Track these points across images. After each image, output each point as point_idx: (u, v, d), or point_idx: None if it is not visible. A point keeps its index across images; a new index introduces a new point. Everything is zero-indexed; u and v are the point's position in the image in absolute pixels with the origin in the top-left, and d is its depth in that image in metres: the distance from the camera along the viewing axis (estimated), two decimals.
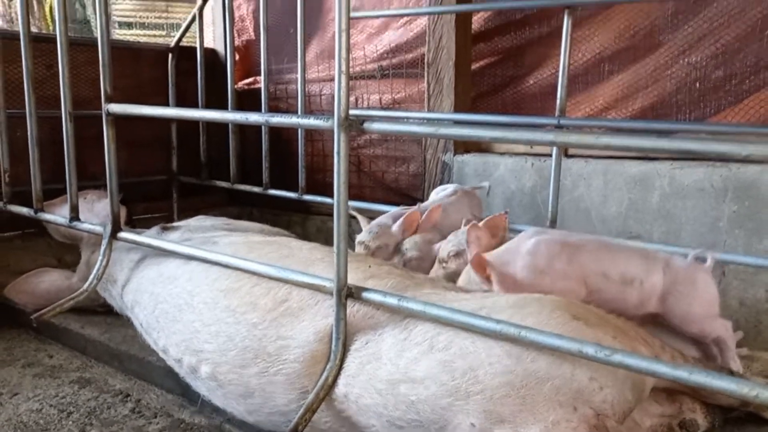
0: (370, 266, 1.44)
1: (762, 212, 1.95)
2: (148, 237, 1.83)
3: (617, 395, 1.15)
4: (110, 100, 1.76)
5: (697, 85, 2.26)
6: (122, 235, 1.82)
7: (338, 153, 1.28)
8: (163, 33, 5.27)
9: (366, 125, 1.27)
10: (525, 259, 1.42)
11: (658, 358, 1.21)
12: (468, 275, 1.52)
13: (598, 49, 2.42)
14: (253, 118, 1.47)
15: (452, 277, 1.63)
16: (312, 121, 1.37)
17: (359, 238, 1.82)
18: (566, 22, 2.01)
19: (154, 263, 1.73)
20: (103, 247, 1.84)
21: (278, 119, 1.42)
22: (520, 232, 1.55)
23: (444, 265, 1.69)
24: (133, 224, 2.38)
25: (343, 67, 1.25)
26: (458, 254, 1.67)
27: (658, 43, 2.31)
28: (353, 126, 1.27)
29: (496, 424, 1.11)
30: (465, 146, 2.65)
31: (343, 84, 1.26)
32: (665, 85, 2.31)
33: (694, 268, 1.45)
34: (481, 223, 1.62)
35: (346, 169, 1.29)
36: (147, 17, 5.13)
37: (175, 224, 2.00)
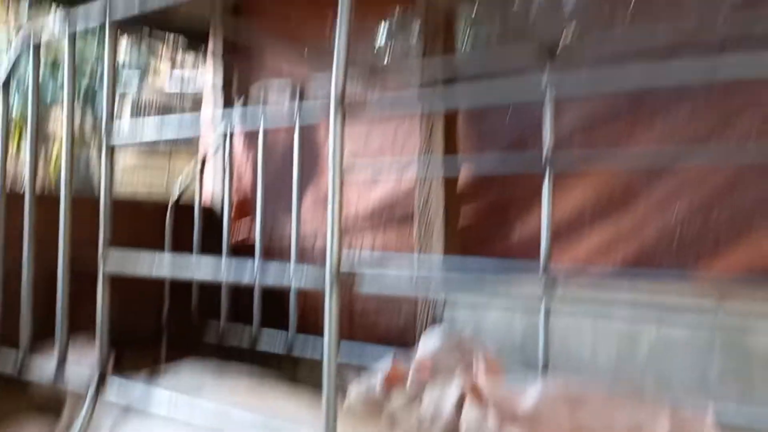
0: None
1: (751, 367, 1.96)
2: (136, 386, 1.80)
3: None
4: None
5: (675, 237, 2.35)
6: (108, 382, 1.79)
7: (330, 309, 1.30)
8: (164, 181, 5.49)
9: (358, 280, 1.31)
10: (526, 405, 1.42)
11: None
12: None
13: (580, 201, 2.53)
14: (246, 276, 1.51)
15: None
16: (305, 275, 1.41)
17: (345, 404, 1.79)
18: (547, 185, 2.13)
19: (141, 413, 1.68)
20: (88, 399, 1.80)
21: (271, 273, 1.46)
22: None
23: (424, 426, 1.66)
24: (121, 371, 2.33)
25: (336, 225, 1.32)
26: (437, 419, 1.64)
27: (636, 196, 2.43)
28: (347, 280, 1.31)
29: None
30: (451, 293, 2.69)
31: (336, 240, 1.32)
32: (645, 237, 2.40)
33: (700, 419, 1.43)
34: (479, 371, 1.59)
35: (337, 324, 1.30)
36: (149, 164, 5.39)
37: (164, 371, 1.98)
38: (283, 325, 2.77)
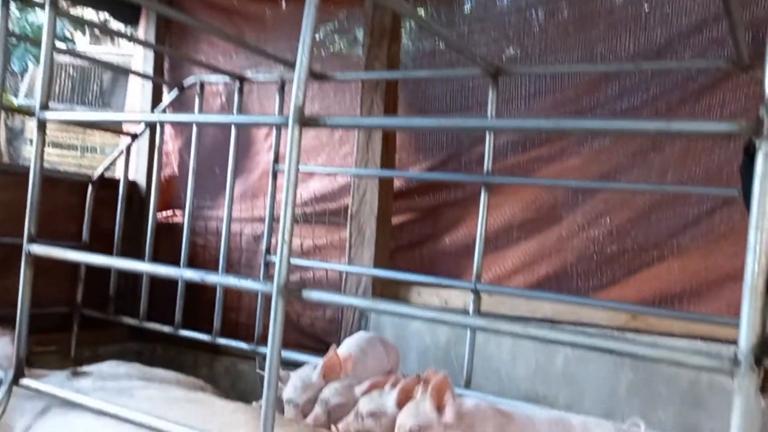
0: None
1: (655, 383, 2.11)
2: (56, 384, 1.72)
3: None
4: (33, 240, 1.71)
5: (594, 257, 2.49)
6: (25, 381, 1.71)
7: (275, 319, 1.30)
8: (77, 154, 5.21)
9: (305, 294, 1.31)
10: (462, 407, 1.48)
11: None
12: (416, 407, 1.50)
13: (508, 216, 2.64)
14: (188, 275, 1.48)
15: None
16: (250, 284, 1.40)
17: (285, 395, 1.79)
18: (483, 197, 2.20)
19: (62, 412, 1.61)
20: (0, 395, 1.70)
21: (215, 278, 1.44)
22: None
23: (361, 420, 1.68)
24: (30, 361, 2.22)
25: (287, 237, 1.31)
26: (375, 414, 1.67)
27: (560, 216, 2.56)
28: (293, 294, 1.31)
29: None
30: (382, 296, 2.73)
31: (285, 252, 1.31)
32: (567, 255, 2.53)
33: None
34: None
35: (280, 335, 1.31)
36: (63, 137, 5.08)
37: (85, 369, 1.90)
38: (201, 323, 2.71)
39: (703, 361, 0.96)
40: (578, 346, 1.11)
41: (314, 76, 2.50)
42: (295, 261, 2.83)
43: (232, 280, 1.43)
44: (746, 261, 0.91)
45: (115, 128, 3.36)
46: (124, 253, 2.93)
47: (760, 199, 0.91)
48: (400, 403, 1.60)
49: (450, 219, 2.77)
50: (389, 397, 1.64)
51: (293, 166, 1.30)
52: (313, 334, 2.93)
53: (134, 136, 2.97)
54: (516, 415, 1.53)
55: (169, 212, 3.38)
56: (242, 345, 2.53)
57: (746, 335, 0.91)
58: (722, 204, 2.28)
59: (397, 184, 2.85)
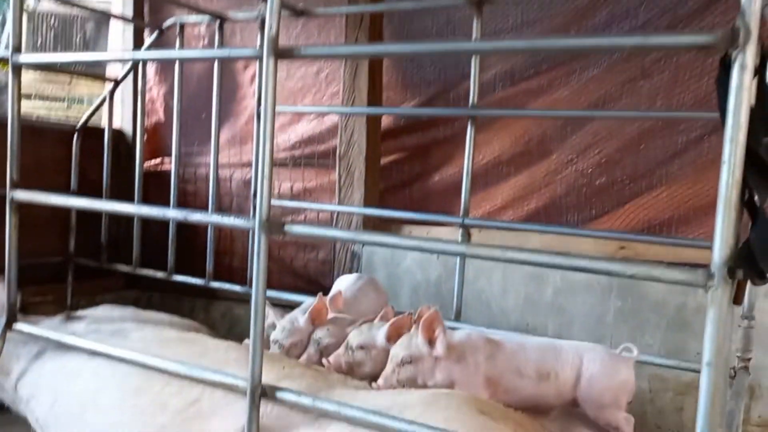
0: (284, 367, 1.45)
1: (643, 310, 2.14)
2: (50, 328, 1.75)
3: None
4: (16, 186, 1.71)
5: (584, 189, 2.49)
6: (18, 326, 1.73)
7: (258, 255, 1.31)
8: (64, 105, 5.12)
9: (287, 228, 1.32)
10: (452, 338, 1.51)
11: None
12: (409, 340, 1.54)
13: (497, 152, 2.62)
14: (170, 214, 1.48)
15: (353, 367, 1.65)
16: (233, 221, 1.40)
17: (273, 336, 1.82)
18: (470, 131, 2.18)
19: (57, 355, 1.65)
20: None
21: (197, 217, 1.44)
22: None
23: (351, 352, 1.71)
24: (24, 309, 2.25)
25: (266, 171, 1.30)
26: (365, 347, 1.70)
27: (549, 150, 2.54)
28: (275, 228, 1.31)
29: None
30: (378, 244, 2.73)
31: (266, 186, 1.31)
32: (556, 188, 2.53)
33: (617, 359, 1.53)
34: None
35: (265, 270, 1.31)
36: (48, 89, 4.99)
37: (80, 314, 1.92)
38: (195, 269, 2.72)
39: (678, 276, 0.97)
40: (559, 267, 1.12)
41: (296, 12, 2.44)
42: (285, 202, 2.83)
43: (215, 218, 1.43)
44: (720, 173, 0.91)
45: (96, 74, 3.31)
46: None
47: (735, 111, 0.90)
48: (390, 337, 1.62)
49: (439, 157, 2.76)
50: (380, 331, 1.67)
51: (269, 99, 1.28)
52: (306, 276, 2.95)
53: (116, 82, 2.91)
54: (506, 343, 1.55)
55: (158, 160, 3.36)
56: (236, 288, 2.55)
57: (720, 247, 0.91)
58: (711, 131, 2.27)
59: (385, 123, 2.82)
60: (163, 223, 2.81)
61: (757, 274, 0.90)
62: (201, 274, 2.68)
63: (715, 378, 0.93)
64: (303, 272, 2.96)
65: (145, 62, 2.85)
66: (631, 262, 1.03)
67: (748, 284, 1.71)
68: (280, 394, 1.32)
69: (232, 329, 2.99)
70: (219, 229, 3.12)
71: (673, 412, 2.16)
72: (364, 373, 1.64)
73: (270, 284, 2.83)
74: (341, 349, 1.69)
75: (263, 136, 1.29)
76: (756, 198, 0.96)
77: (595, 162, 2.46)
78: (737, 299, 0.93)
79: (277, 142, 3.03)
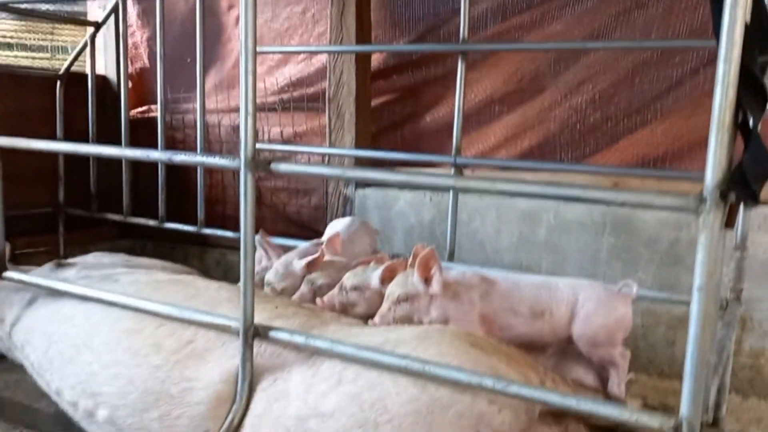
0: (277, 306, 1.45)
1: (636, 246, 2.14)
2: (41, 275, 1.74)
3: (514, 418, 1.23)
4: None
5: (578, 126, 2.46)
6: (8, 274, 1.72)
7: (245, 194, 1.29)
8: (48, 55, 5.00)
9: (273, 166, 1.29)
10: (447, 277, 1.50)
11: (549, 388, 1.30)
12: (405, 279, 1.55)
13: (489, 90, 2.57)
14: (155, 155, 1.45)
15: (347, 307, 1.66)
16: (217, 161, 1.37)
17: (267, 278, 1.82)
18: (461, 67, 2.13)
19: (49, 301, 1.64)
20: None
21: (182, 157, 1.41)
22: None
23: (345, 293, 1.71)
24: (17, 260, 2.23)
25: (250, 108, 1.27)
26: (359, 288, 1.69)
27: (542, 87, 2.50)
28: (260, 167, 1.29)
29: None
30: (366, 180, 2.71)
31: (250, 124, 1.28)
32: (549, 126, 2.49)
33: (614, 296, 1.49)
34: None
35: (252, 209, 1.30)
36: (30, 38, 4.86)
37: (70, 261, 1.91)
38: (188, 217, 2.70)
39: (669, 201, 0.95)
40: (550, 197, 1.10)
41: None
42: (274, 146, 2.79)
43: (200, 158, 1.40)
44: (714, 94, 0.88)
45: (76, 19, 3.21)
46: None
47: (729, 28, 0.86)
48: (385, 280, 1.62)
49: (431, 97, 2.71)
50: (374, 273, 1.67)
51: (250, 30, 1.24)
52: (299, 222, 2.94)
53: (98, 25, 2.83)
54: (501, 281, 1.54)
55: (145, 108, 3.30)
56: (228, 233, 2.54)
57: (712, 170, 0.90)
58: (706, 63, 2.22)
59: (375, 63, 2.76)
60: (153, 172, 2.78)
61: (750, 195, 0.88)
62: (194, 222, 2.66)
63: (706, 303, 0.93)
64: (296, 218, 2.95)
65: (125, 3, 2.76)
66: (623, 190, 1.01)
67: (741, 214, 1.72)
68: (273, 334, 1.33)
69: (227, 276, 2.99)
70: (210, 177, 3.10)
71: (665, 346, 2.18)
72: (357, 313, 1.64)
73: (263, 230, 2.83)
74: (335, 290, 1.69)
75: (244, 72, 1.25)
76: (750, 119, 0.94)
77: (588, 98, 2.42)
78: (729, 223, 0.92)
79: (265, 85, 2.97)
